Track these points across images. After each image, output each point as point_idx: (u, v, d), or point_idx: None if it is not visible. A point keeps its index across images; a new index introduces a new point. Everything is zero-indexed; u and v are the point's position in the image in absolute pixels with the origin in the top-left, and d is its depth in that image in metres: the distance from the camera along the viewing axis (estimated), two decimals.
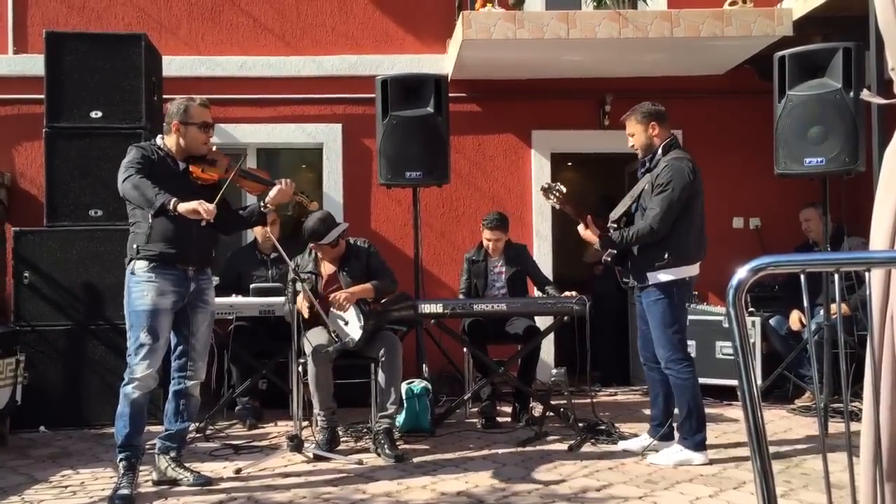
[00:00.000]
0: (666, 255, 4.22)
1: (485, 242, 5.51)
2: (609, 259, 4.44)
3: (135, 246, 3.85)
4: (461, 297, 5.55)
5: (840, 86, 4.86)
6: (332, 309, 4.57)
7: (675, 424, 4.38)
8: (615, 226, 4.42)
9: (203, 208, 3.62)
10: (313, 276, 4.78)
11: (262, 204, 4.06)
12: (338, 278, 4.76)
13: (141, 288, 3.80)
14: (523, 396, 5.33)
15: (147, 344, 3.76)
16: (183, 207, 3.62)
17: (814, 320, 5.39)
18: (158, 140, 4.01)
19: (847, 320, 5.20)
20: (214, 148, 4.11)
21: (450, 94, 5.73)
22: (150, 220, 3.80)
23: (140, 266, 3.83)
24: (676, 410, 4.32)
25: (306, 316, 4.53)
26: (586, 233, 4.36)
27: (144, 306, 3.78)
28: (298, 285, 4.40)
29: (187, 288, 3.89)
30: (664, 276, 4.24)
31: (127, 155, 3.85)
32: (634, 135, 4.39)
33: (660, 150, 4.33)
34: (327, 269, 4.84)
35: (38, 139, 5.80)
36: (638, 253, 4.31)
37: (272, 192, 4.00)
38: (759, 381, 5.55)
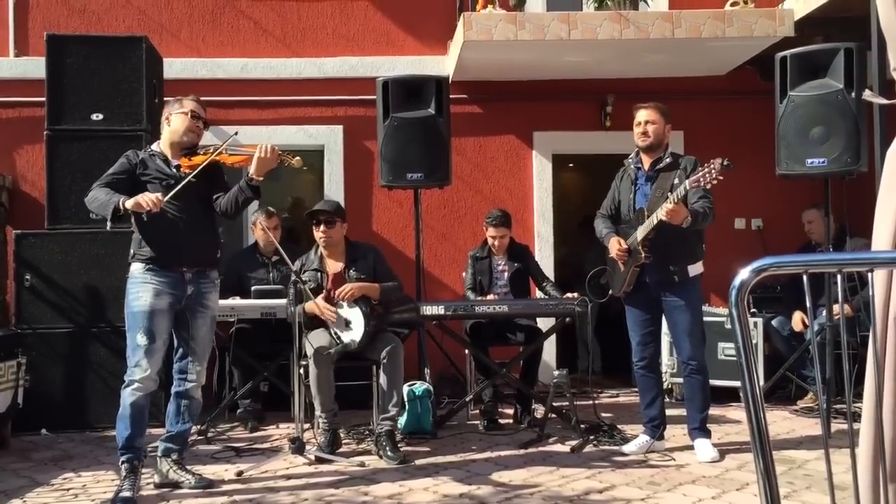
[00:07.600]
0: (703, 247, 4.35)
1: (489, 240, 5.51)
2: (649, 259, 4.32)
3: (131, 249, 3.90)
4: (468, 293, 5.55)
5: (842, 86, 4.84)
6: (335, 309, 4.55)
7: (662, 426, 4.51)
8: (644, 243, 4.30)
9: (144, 200, 3.61)
10: (318, 274, 4.75)
11: (247, 177, 3.86)
12: (345, 277, 4.71)
13: (136, 289, 3.81)
14: (525, 398, 5.32)
15: (144, 345, 3.76)
16: (129, 203, 3.64)
17: (816, 321, 5.38)
18: (154, 146, 4.03)
19: (850, 321, 5.19)
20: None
21: (451, 96, 5.72)
22: (138, 225, 3.84)
23: (136, 268, 3.86)
24: (683, 411, 4.41)
25: (329, 316, 4.52)
26: (676, 207, 4.06)
27: (140, 307, 3.78)
28: (300, 287, 4.39)
29: (184, 290, 3.88)
30: (699, 269, 4.34)
31: None
32: (656, 124, 4.39)
33: (669, 149, 4.44)
34: (333, 267, 4.78)
35: (39, 142, 5.79)
36: (681, 246, 4.29)
37: (252, 163, 3.83)
38: (762, 382, 5.53)
